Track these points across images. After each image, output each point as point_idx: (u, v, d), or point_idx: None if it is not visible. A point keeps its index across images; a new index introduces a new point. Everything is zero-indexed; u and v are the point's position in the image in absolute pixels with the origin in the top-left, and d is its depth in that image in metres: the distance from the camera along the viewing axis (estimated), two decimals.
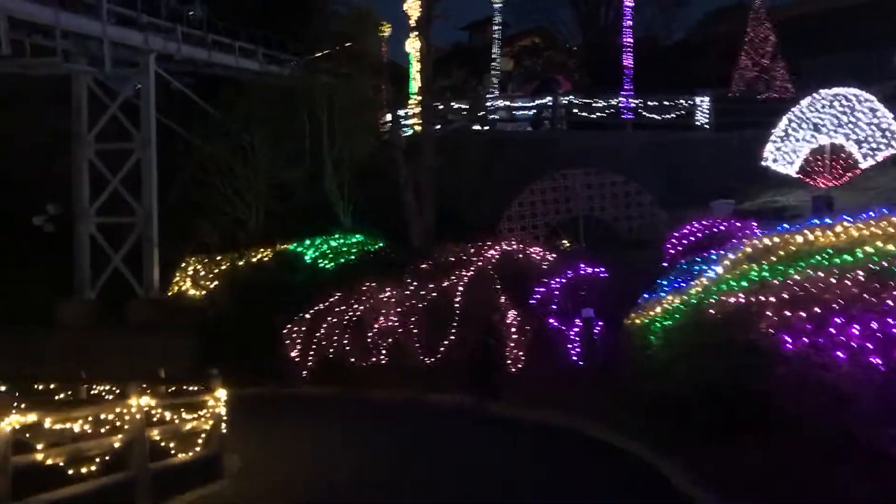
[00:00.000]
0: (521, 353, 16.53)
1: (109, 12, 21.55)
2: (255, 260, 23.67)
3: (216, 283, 23.04)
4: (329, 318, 19.18)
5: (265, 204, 25.92)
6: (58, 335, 22.68)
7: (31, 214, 25.08)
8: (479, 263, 18.59)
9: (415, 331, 17.93)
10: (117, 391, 15.01)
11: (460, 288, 17.97)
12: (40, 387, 15.92)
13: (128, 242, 23.75)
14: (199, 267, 23.82)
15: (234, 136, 25.69)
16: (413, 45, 31.20)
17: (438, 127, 27.25)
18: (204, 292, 23.01)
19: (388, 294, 18.88)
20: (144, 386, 12.27)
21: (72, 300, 23.39)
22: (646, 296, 14.17)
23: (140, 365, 21.50)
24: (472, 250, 19.21)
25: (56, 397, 15.65)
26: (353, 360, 18.58)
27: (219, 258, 23.87)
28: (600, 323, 15.83)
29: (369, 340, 18.45)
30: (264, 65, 30.32)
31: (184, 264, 24.10)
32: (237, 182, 25.39)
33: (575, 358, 15.89)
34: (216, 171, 24.97)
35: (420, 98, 26.73)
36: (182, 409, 12.22)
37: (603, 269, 17.32)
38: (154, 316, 22.84)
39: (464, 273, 18.28)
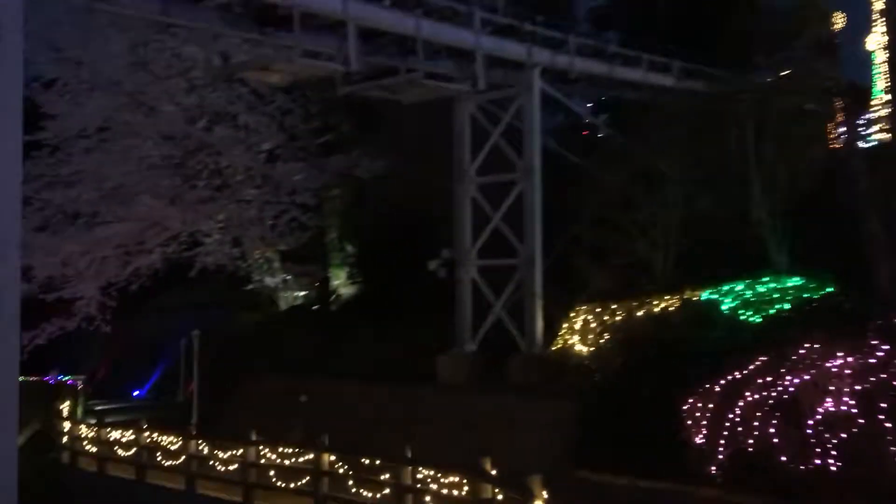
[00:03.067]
0: None
1: (483, 21, 18.66)
2: (657, 310, 18.77)
3: (606, 337, 18.59)
4: (748, 394, 13.45)
5: (675, 242, 20.97)
6: (435, 393, 20.12)
7: (416, 259, 23.24)
8: None
9: (886, 423, 11.41)
10: (439, 479, 11.26)
11: None
12: (367, 461, 12.87)
13: (508, 288, 20.47)
14: (589, 318, 19.58)
15: (636, 163, 21.30)
16: (876, 40, 23.97)
17: None
18: (592, 348, 18.69)
19: (839, 362, 12.61)
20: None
21: (451, 354, 20.71)
22: None
23: (508, 437, 17.89)
24: None
25: (380, 476, 12.45)
26: (783, 458, 12.57)
27: (613, 307, 19.40)
28: None
29: (809, 432, 12.33)
30: (681, 79, 25.41)
31: (573, 314, 20.05)
32: (640, 217, 20.88)
33: None
34: (616, 205, 20.77)
35: (889, 98, 19.61)
36: None
37: None
38: (534, 374, 19.13)
39: None
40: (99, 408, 34.19)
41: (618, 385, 16.70)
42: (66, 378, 33.50)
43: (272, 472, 14.49)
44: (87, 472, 18.93)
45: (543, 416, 18.10)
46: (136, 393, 41.18)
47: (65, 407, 24.39)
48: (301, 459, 14.01)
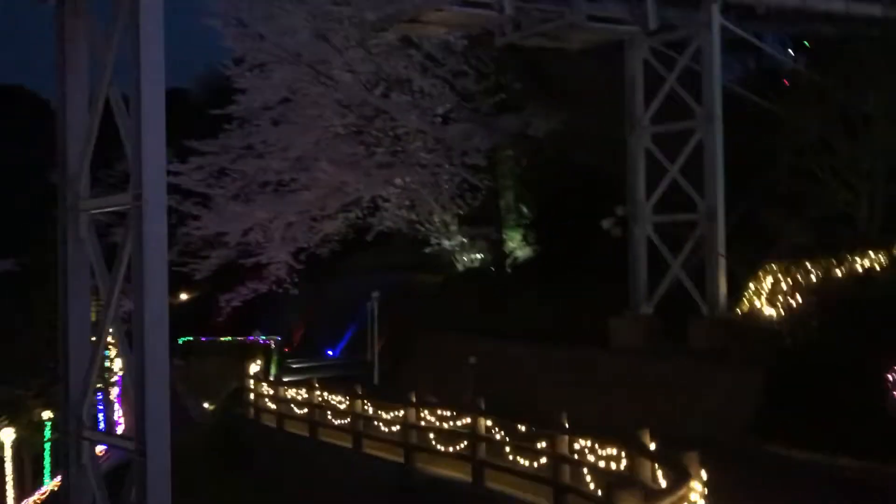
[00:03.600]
0: None
1: None
2: (860, 268, 16.65)
3: (801, 299, 16.69)
4: None
5: (882, 191, 18.56)
6: (611, 357, 19.08)
7: (592, 219, 22.09)
8: None
9: None
10: (596, 450, 10.41)
11: None
12: (523, 428, 12.23)
13: (687, 246, 18.95)
14: (779, 277, 17.69)
15: (835, 104, 18.94)
16: None
17: None
18: (782, 312, 16.85)
19: None
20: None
21: (625, 316, 19.53)
22: None
23: (686, 406, 16.59)
24: None
25: (537, 444, 11.75)
26: None
27: (808, 265, 17.40)
28: None
29: None
30: (890, 9, 22.37)
31: (760, 273, 18.21)
32: (839, 165, 18.60)
33: None
34: (812, 151, 18.62)
35: None
36: None
37: None
38: (717, 339, 17.58)
39: None
40: (295, 366, 36.06)
41: (813, 351, 14.99)
42: (261, 338, 35.43)
43: (432, 435, 14.16)
44: (268, 427, 19.58)
45: (726, 383, 16.66)
46: (330, 352, 43.09)
47: (253, 365, 25.60)
48: (459, 423, 13.57)
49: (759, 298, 17.76)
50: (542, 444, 11.59)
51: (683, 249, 19.01)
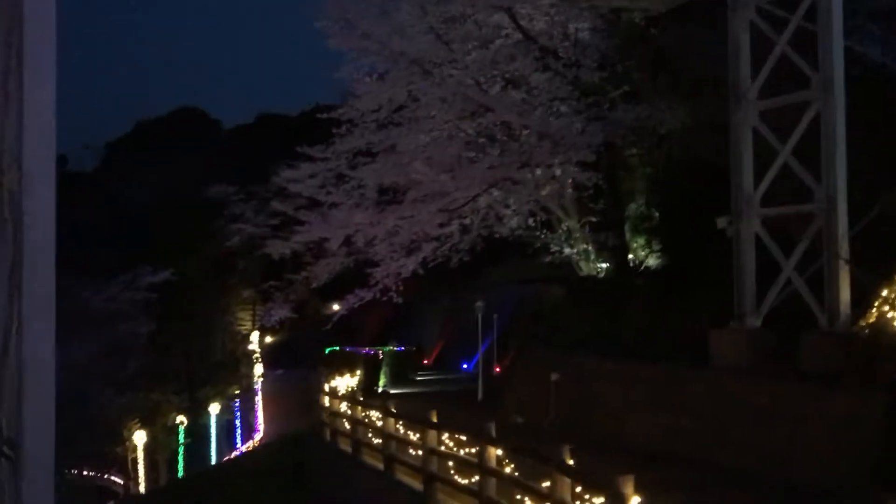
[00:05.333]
0: None
1: None
2: None
3: None
4: None
5: None
6: (707, 377, 15.98)
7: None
8: None
9: None
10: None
11: None
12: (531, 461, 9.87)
13: (802, 244, 15.55)
14: None
15: None
16: None
17: None
18: None
19: None
20: None
21: (728, 328, 16.34)
22: None
23: (790, 438, 13.35)
24: None
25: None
26: None
27: None
28: None
29: None
30: None
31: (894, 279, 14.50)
32: None
33: None
34: None
35: None
36: None
37: None
38: (835, 358, 14.08)
39: None
40: (418, 378, 35.10)
41: None
42: (365, 349, 34.40)
43: (451, 463, 11.99)
44: (327, 442, 18.10)
45: (842, 412, 13.25)
46: (464, 365, 42.15)
47: (340, 379, 24.30)
48: (471, 451, 11.33)
49: (893, 311, 14.10)
50: (545, 485, 9.18)
51: (797, 248, 15.61)
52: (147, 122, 67.17)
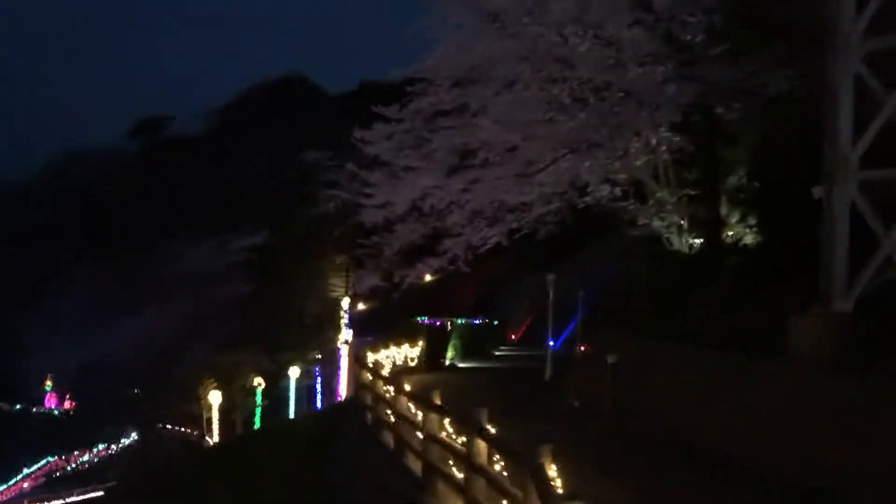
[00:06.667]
0: None
1: None
2: None
3: None
4: None
5: None
6: (782, 370, 13.53)
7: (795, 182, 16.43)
8: None
9: None
10: None
11: None
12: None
13: None
14: None
15: None
16: None
17: None
18: None
19: None
20: None
21: (813, 314, 13.80)
22: None
23: (862, 446, 10.94)
24: None
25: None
26: None
27: None
28: None
29: None
30: None
31: None
32: None
33: None
34: None
35: None
36: None
37: None
38: None
39: None
40: (498, 353, 33.95)
41: None
42: (428, 320, 32.99)
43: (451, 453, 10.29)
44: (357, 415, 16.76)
45: None
46: (551, 342, 40.98)
47: (386, 352, 22.84)
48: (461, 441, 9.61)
49: None
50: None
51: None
52: (254, 88, 68.14)
